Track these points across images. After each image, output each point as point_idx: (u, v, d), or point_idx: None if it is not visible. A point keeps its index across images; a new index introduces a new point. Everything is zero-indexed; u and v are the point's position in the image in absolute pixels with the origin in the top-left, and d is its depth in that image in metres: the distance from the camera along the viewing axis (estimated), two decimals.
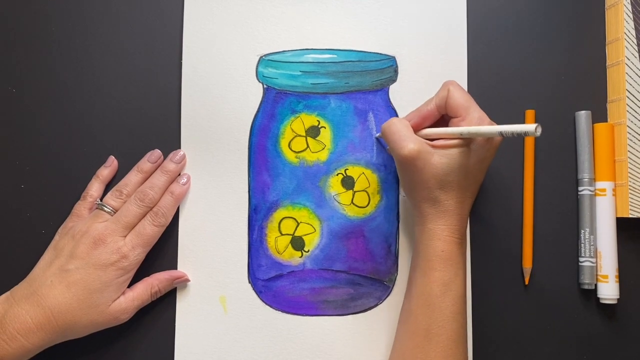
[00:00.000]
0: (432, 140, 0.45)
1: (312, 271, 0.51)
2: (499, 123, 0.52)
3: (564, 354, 0.51)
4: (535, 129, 0.38)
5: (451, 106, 0.45)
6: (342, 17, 0.53)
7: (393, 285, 0.52)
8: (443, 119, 0.48)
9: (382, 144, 0.52)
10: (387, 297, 0.51)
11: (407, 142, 0.44)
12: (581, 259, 0.51)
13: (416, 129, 0.47)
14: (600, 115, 0.53)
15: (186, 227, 0.52)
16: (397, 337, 0.47)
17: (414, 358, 0.44)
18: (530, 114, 0.52)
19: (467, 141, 0.44)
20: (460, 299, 0.44)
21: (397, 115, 0.52)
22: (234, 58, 0.52)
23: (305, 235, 0.52)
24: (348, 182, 0.52)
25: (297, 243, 0.52)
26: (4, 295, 0.46)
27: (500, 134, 0.41)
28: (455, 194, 0.44)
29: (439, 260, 0.44)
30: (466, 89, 0.52)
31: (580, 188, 0.52)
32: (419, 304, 0.44)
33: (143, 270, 0.49)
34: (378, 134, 0.52)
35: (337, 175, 0.52)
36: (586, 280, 0.51)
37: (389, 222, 0.52)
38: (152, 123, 0.52)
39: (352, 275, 0.51)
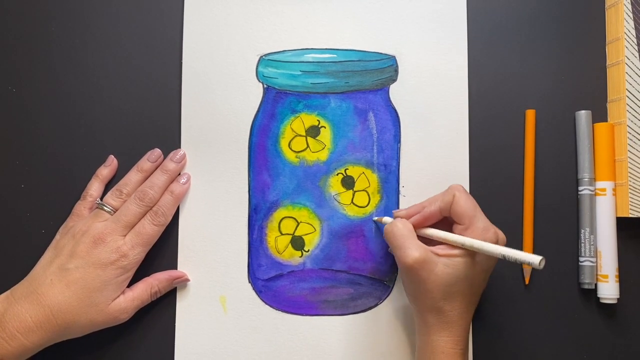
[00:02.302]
0: (429, 240, 0.45)
1: (312, 271, 0.51)
2: (499, 123, 0.53)
3: (564, 354, 0.51)
4: (540, 262, 0.38)
5: (456, 213, 0.45)
6: (342, 17, 0.53)
7: (393, 285, 0.52)
8: (445, 219, 0.47)
9: (379, 227, 0.51)
10: (387, 297, 0.51)
11: (412, 250, 0.43)
12: (581, 259, 0.51)
13: (417, 227, 0.46)
14: (600, 115, 0.53)
15: (186, 227, 0.52)
16: None
17: None
18: (530, 114, 0.52)
19: (470, 252, 0.43)
20: None
21: (397, 115, 0.52)
22: (234, 58, 0.52)
23: (305, 235, 0.51)
24: (348, 182, 0.52)
25: (297, 243, 0.52)
26: (4, 294, 0.46)
27: (503, 257, 0.40)
28: (459, 304, 0.44)
29: None
30: (467, 89, 0.52)
31: (580, 188, 0.52)
32: None
33: (143, 270, 0.49)
34: (376, 218, 0.51)
35: (337, 175, 0.52)
36: (586, 280, 0.51)
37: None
38: (152, 123, 0.52)
39: (352, 275, 0.51)
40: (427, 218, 0.46)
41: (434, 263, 0.43)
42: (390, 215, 0.51)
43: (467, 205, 0.45)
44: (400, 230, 0.45)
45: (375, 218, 0.51)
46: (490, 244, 0.42)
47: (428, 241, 0.46)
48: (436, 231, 0.45)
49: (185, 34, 0.53)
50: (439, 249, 0.44)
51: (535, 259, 0.39)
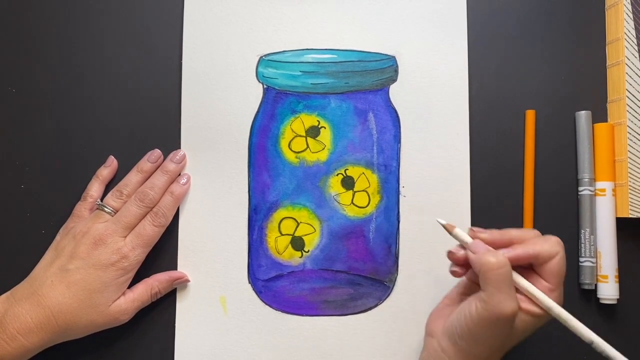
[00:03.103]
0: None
1: (312, 271, 0.51)
2: (499, 124, 0.53)
3: (564, 354, 0.51)
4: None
5: (550, 271, 0.41)
6: (342, 17, 0.53)
7: (393, 286, 0.52)
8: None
9: (457, 239, 0.44)
10: (387, 297, 0.51)
11: (513, 300, 0.39)
12: (581, 259, 0.51)
13: (495, 245, 0.42)
14: (600, 115, 0.53)
15: (186, 227, 0.52)
16: None
17: None
18: (530, 114, 0.52)
19: (549, 317, 0.40)
20: None
21: (397, 115, 0.52)
22: (234, 58, 0.52)
23: (305, 235, 0.52)
24: (348, 182, 0.52)
25: (297, 243, 0.52)
26: (4, 295, 0.46)
27: (591, 342, 0.39)
28: (498, 358, 0.41)
29: None
30: (467, 89, 0.53)
31: (580, 188, 0.52)
32: None
33: (143, 271, 0.49)
34: (444, 222, 0.45)
35: (337, 175, 0.52)
36: (586, 280, 0.51)
37: (389, 222, 0.52)
38: (152, 123, 0.52)
39: (352, 275, 0.51)
40: (514, 260, 0.41)
41: (517, 317, 0.40)
42: (390, 215, 0.50)
43: (564, 268, 0.41)
44: (506, 272, 0.39)
45: (444, 223, 0.45)
46: (583, 325, 0.40)
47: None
48: (531, 286, 0.41)
49: (185, 34, 0.53)
50: (521, 301, 0.40)
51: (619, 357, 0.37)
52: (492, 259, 0.40)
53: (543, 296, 0.40)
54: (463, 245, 0.44)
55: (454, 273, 0.44)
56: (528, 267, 0.43)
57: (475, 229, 0.44)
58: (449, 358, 0.42)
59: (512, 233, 0.43)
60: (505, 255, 0.41)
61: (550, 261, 0.41)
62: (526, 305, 0.40)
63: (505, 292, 0.39)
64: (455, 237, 0.44)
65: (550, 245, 0.41)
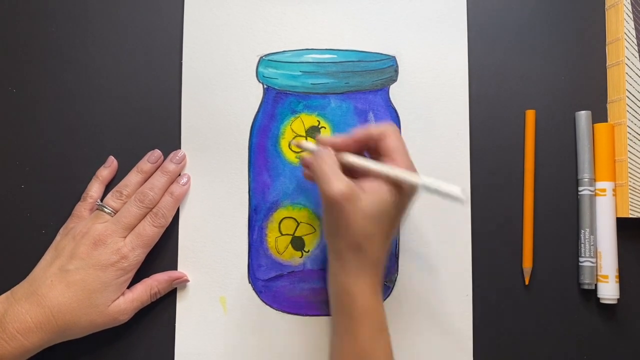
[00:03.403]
0: (346, 169, 0.43)
1: (312, 271, 0.51)
2: (499, 123, 0.53)
3: (564, 354, 0.51)
4: (462, 191, 0.37)
5: (386, 146, 0.43)
6: (342, 17, 0.53)
7: (393, 286, 0.51)
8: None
9: (305, 149, 0.48)
10: (387, 297, 0.51)
11: (338, 182, 0.41)
12: (581, 259, 0.51)
13: (340, 149, 0.44)
14: (600, 115, 0.53)
15: (186, 227, 0.52)
16: None
17: None
18: (530, 114, 0.52)
19: (395, 188, 0.41)
20: (389, 347, 0.42)
21: (397, 115, 0.52)
22: (234, 58, 0.52)
23: (306, 235, 0.51)
24: None
25: (298, 243, 0.52)
26: (4, 295, 0.46)
27: (425, 187, 0.39)
28: (378, 241, 0.42)
29: (364, 317, 0.41)
30: (467, 89, 0.52)
31: (580, 188, 0.52)
32: None
33: (143, 271, 0.49)
34: (294, 142, 0.48)
35: None
36: (586, 280, 0.51)
37: None
38: (152, 123, 0.52)
39: None
40: (350, 145, 0.44)
41: (358, 197, 0.41)
42: None
43: (399, 141, 0.43)
44: (325, 162, 0.42)
45: (294, 142, 0.48)
46: (413, 173, 0.41)
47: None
48: (359, 158, 0.43)
49: (185, 34, 0.53)
50: (363, 183, 0.42)
51: (456, 189, 0.37)
52: (310, 157, 0.44)
53: (375, 164, 0.42)
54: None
55: (305, 175, 0.49)
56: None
57: (320, 137, 0.46)
58: (342, 265, 0.42)
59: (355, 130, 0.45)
60: (338, 140, 0.44)
61: (383, 138, 0.43)
62: (368, 183, 0.42)
63: (329, 178, 0.41)
64: (303, 147, 0.47)
65: (381, 125, 0.44)
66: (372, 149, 0.45)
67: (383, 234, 0.42)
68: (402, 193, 0.42)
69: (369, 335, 0.41)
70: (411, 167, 0.43)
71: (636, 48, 0.51)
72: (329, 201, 0.41)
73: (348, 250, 0.42)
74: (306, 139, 0.52)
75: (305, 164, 0.48)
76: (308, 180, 0.50)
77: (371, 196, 0.41)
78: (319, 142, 0.45)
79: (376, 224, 0.41)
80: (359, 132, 0.44)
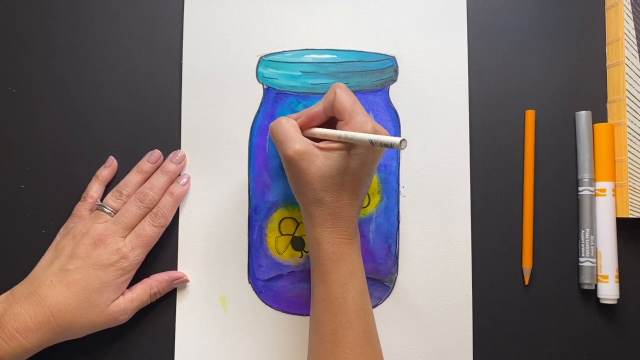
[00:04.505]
0: (318, 140, 0.45)
1: None
2: (499, 123, 0.53)
3: (564, 354, 0.51)
4: (400, 142, 0.38)
5: (337, 109, 0.45)
6: (342, 17, 0.53)
7: (393, 286, 0.52)
8: (332, 121, 0.47)
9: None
10: (387, 297, 0.51)
11: (293, 142, 0.44)
12: (581, 259, 0.51)
13: (303, 128, 0.47)
14: (600, 115, 0.53)
15: (186, 227, 0.52)
16: (309, 348, 0.46)
17: None
18: (530, 114, 0.52)
19: (348, 145, 0.43)
20: (361, 297, 0.44)
21: (397, 116, 0.52)
22: (234, 58, 0.52)
23: (306, 235, 0.51)
24: None
25: (297, 243, 0.52)
26: (4, 295, 0.46)
27: (371, 142, 0.40)
28: (340, 196, 0.44)
29: (331, 263, 0.44)
30: (467, 89, 0.52)
31: (580, 188, 0.52)
32: (322, 309, 0.44)
33: (143, 271, 0.49)
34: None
35: None
36: (586, 280, 0.51)
37: (389, 222, 0.52)
38: (152, 123, 0.52)
39: None
40: (312, 118, 0.47)
41: (314, 155, 0.43)
42: (390, 215, 0.51)
43: (345, 100, 0.45)
44: (283, 126, 0.45)
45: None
46: (358, 132, 0.43)
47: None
48: (318, 129, 0.46)
49: (185, 34, 0.53)
50: (320, 144, 0.44)
51: (396, 140, 0.38)
52: (272, 123, 0.46)
53: (324, 130, 0.45)
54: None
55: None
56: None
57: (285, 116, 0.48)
58: (309, 217, 0.45)
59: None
60: (300, 120, 0.47)
61: (333, 102, 0.45)
62: (324, 144, 0.44)
63: (286, 140, 0.44)
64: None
65: (329, 93, 0.46)
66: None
67: (343, 188, 0.44)
68: (357, 149, 0.44)
69: (337, 281, 0.44)
70: (362, 121, 0.44)
71: (636, 48, 0.51)
72: (287, 160, 0.44)
73: (311, 204, 0.44)
74: None
75: (270, 133, 0.48)
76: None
77: (326, 154, 0.44)
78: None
79: (334, 179, 0.44)
80: (314, 107, 0.47)
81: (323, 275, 0.44)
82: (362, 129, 0.43)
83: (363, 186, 0.45)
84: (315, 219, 0.44)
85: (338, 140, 0.43)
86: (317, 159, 0.43)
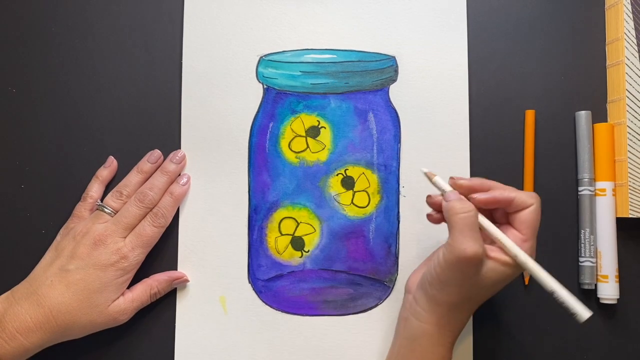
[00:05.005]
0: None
1: (312, 271, 0.51)
2: (499, 123, 0.53)
3: (564, 354, 0.51)
4: (587, 318, 0.37)
5: (525, 219, 0.42)
6: (342, 17, 0.53)
7: (393, 286, 0.52)
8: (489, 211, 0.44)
9: (436, 187, 0.45)
10: (387, 297, 0.51)
11: (474, 242, 0.39)
12: (581, 259, 0.51)
13: (476, 205, 0.42)
14: (600, 115, 0.53)
15: (186, 227, 0.52)
16: None
17: None
18: (530, 114, 0.52)
19: (519, 267, 0.41)
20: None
21: (397, 115, 0.52)
22: (234, 58, 0.52)
23: (305, 235, 0.51)
24: (348, 182, 0.52)
25: (297, 243, 0.52)
26: (4, 295, 0.46)
27: (552, 292, 0.39)
28: (469, 310, 0.42)
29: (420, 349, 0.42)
30: (467, 89, 0.53)
31: (580, 188, 0.52)
32: None
33: (143, 271, 0.49)
34: (426, 170, 0.45)
35: (337, 175, 0.52)
36: (586, 280, 0.51)
37: (389, 222, 0.52)
38: (152, 123, 0.52)
39: (352, 275, 0.51)
40: (488, 203, 0.42)
41: (482, 263, 0.40)
42: (390, 215, 0.51)
43: (538, 219, 0.42)
44: (470, 217, 0.40)
45: (426, 171, 0.45)
46: (546, 272, 0.41)
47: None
48: (493, 226, 0.42)
49: (185, 34, 0.53)
50: (491, 250, 0.41)
51: (584, 313, 0.37)
52: (457, 204, 0.41)
53: (511, 243, 0.41)
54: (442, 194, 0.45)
55: (429, 217, 0.46)
56: (505, 222, 0.44)
57: (456, 177, 0.44)
58: (421, 309, 0.43)
59: (492, 182, 0.44)
60: (479, 197, 0.42)
61: (524, 210, 0.42)
62: (495, 254, 0.41)
63: (468, 235, 0.40)
64: (435, 184, 0.45)
65: (526, 195, 0.42)
66: (501, 207, 0.44)
67: (477, 303, 0.43)
68: (515, 273, 0.42)
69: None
70: (531, 248, 0.42)
71: (636, 48, 0.51)
72: (459, 258, 0.40)
73: (452, 306, 0.42)
74: (306, 139, 0.52)
75: (432, 204, 0.45)
76: (430, 222, 0.46)
77: (494, 268, 0.40)
78: (455, 184, 0.44)
79: (489, 290, 0.42)
80: (500, 193, 0.43)
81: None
82: (532, 254, 0.41)
83: (481, 303, 0.43)
84: (449, 325, 0.42)
85: (515, 256, 0.40)
86: (483, 267, 0.40)
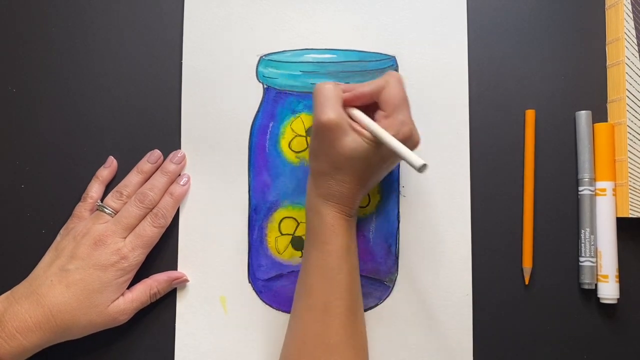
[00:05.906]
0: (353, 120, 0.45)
1: None
2: (499, 123, 0.53)
3: (564, 354, 0.51)
4: (421, 167, 0.39)
5: (384, 99, 0.45)
6: (342, 17, 0.53)
7: (393, 286, 0.51)
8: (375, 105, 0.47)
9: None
10: (387, 297, 0.51)
11: (331, 110, 0.44)
12: (581, 259, 0.51)
13: (346, 103, 0.46)
14: (600, 115, 0.53)
15: (186, 227, 0.52)
16: (295, 313, 0.46)
17: (315, 332, 0.44)
18: (530, 114, 0.52)
19: (378, 140, 0.44)
20: (355, 270, 0.46)
21: None
22: (234, 58, 0.52)
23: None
24: None
25: (298, 243, 0.52)
26: (4, 295, 0.46)
27: (393, 149, 0.41)
28: (350, 180, 0.44)
29: (330, 234, 0.45)
30: (467, 89, 0.52)
31: (580, 188, 0.52)
32: (316, 278, 0.45)
33: (143, 271, 0.49)
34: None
35: None
36: (586, 280, 0.51)
37: (389, 222, 0.52)
38: (152, 123, 0.52)
39: None
40: (358, 97, 0.46)
41: (345, 132, 0.43)
42: (390, 215, 0.51)
43: (395, 95, 0.45)
44: (328, 92, 0.45)
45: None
46: (388, 135, 0.43)
47: None
48: (359, 114, 0.45)
49: (185, 34, 0.53)
50: (355, 125, 0.44)
51: (417, 162, 0.39)
52: (318, 84, 0.45)
53: (364, 116, 0.45)
54: None
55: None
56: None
57: (336, 82, 0.47)
58: (315, 184, 0.46)
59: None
60: (346, 95, 0.45)
61: (382, 91, 0.45)
62: (357, 127, 0.44)
63: (327, 105, 0.44)
64: None
65: (381, 79, 0.46)
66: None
67: (355, 174, 0.44)
68: (383, 147, 0.44)
69: (334, 252, 0.45)
70: (402, 121, 0.44)
71: (636, 48, 0.51)
72: (317, 125, 0.44)
73: (321, 174, 0.45)
74: (306, 139, 0.52)
75: (313, 92, 0.48)
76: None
77: (354, 139, 0.43)
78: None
79: (351, 162, 0.44)
80: (362, 87, 0.46)
81: (321, 245, 0.45)
82: (400, 129, 0.43)
83: (374, 180, 0.46)
84: (321, 189, 0.45)
85: (371, 130, 0.43)
86: (345, 137, 0.43)
